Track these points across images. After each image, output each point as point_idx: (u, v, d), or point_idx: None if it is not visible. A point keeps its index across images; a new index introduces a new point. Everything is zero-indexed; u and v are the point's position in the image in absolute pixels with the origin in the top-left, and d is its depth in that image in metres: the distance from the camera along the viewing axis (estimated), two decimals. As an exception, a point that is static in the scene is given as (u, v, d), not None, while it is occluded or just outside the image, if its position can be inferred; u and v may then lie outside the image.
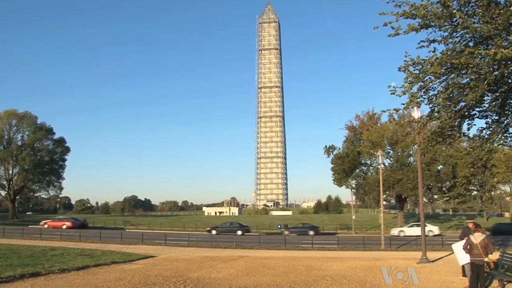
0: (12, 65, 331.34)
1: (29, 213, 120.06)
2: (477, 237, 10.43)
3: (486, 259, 10.26)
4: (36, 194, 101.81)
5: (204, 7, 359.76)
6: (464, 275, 13.19)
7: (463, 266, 12.54)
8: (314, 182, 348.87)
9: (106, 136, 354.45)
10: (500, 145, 13.94)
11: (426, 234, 41.15)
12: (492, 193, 67.95)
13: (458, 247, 12.22)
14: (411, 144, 54.24)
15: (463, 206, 76.86)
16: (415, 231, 42.88)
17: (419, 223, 29.32)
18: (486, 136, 12.66)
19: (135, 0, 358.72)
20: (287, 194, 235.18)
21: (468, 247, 10.55)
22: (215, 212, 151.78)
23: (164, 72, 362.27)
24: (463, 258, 11.71)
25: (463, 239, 11.72)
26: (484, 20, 9.54)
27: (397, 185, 58.76)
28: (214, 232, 49.57)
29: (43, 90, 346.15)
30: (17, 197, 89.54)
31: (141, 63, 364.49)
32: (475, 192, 66.71)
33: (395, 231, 48.92)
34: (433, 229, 48.76)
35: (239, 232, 48.27)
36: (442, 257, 21.13)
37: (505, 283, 10.92)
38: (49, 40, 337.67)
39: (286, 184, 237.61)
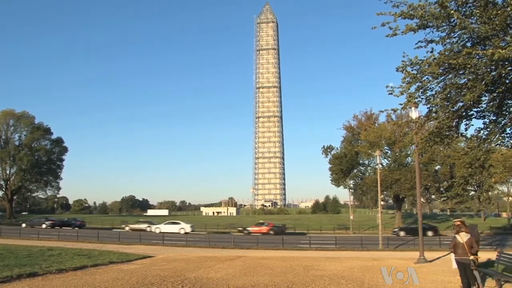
0: (10, 65, 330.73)
1: (25, 213, 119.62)
2: (463, 237, 10.68)
3: (471, 257, 10.42)
4: (33, 194, 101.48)
5: (202, 7, 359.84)
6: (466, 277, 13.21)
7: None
8: (312, 182, 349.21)
9: (104, 136, 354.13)
10: (498, 146, 13.99)
11: (177, 231, 45.71)
12: (490, 193, 68.10)
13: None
14: (409, 144, 54.47)
15: (461, 206, 77.06)
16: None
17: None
18: (484, 137, 12.69)
19: (132, 1, 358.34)
20: (285, 194, 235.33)
21: (453, 247, 10.81)
22: (213, 212, 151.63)
23: (162, 72, 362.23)
24: None
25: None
26: (482, 21, 9.57)
27: (395, 185, 58.86)
28: None
29: (41, 90, 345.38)
30: (15, 197, 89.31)
31: (139, 63, 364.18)
32: (472, 192, 66.84)
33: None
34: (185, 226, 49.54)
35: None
36: (439, 257, 21.16)
37: (502, 282, 10.95)
38: (48, 40, 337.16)
39: (284, 184, 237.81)
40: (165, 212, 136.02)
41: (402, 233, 46.48)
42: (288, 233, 49.87)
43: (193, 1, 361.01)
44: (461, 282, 11.02)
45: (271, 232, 46.91)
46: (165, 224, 50.52)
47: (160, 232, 45.39)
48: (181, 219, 60.23)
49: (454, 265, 12.42)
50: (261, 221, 57.99)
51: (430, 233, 45.32)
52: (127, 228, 50.84)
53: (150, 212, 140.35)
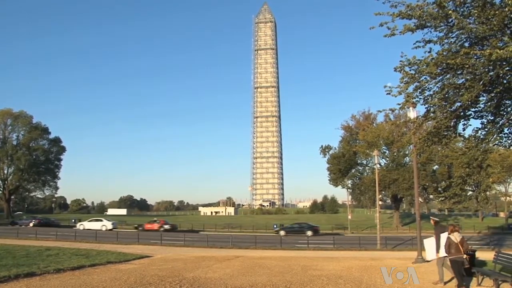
0: (7, 65, 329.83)
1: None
2: (457, 237, 11.14)
3: (465, 256, 10.88)
4: (31, 194, 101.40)
5: (200, 7, 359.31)
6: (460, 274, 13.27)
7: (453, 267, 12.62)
8: (310, 182, 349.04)
9: (102, 135, 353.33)
10: (495, 146, 14.02)
11: (99, 228, 48.07)
12: (488, 193, 68.27)
13: (429, 243, 12.71)
14: (406, 144, 54.51)
15: (459, 206, 77.12)
16: None
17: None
18: (482, 137, 12.72)
19: (130, 1, 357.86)
20: (283, 194, 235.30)
21: (448, 247, 11.15)
22: (211, 212, 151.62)
23: (160, 72, 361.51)
24: (432, 254, 12.43)
25: (441, 234, 12.12)
26: (480, 21, 9.59)
27: (393, 185, 58.97)
28: None
29: (39, 90, 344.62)
30: (12, 197, 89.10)
31: (137, 63, 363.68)
32: (470, 192, 67.02)
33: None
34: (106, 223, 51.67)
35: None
36: (445, 256, 21.15)
37: (500, 282, 10.97)
38: (47, 40, 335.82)
39: (282, 184, 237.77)
40: (123, 211, 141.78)
41: (282, 233, 47.63)
42: (181, 230, 53.81)
43: (191, 1, 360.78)
44: (457, 280, 11.25)
45: (161, 229, 50.60)
46: (88, 221, 53.59)
47: (84, 229, 49.49)
48: (176, 219, 61.44)
49: (429, 257, 12.96)
50: (154, 219, 63.16)
51: (309, 233, 46.46)
52: (81, 227, 51.92)
53: (110, 211, 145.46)
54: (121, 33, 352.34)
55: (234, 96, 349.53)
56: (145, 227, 52.28)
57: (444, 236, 11.80)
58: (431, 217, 13.32)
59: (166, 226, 52.14)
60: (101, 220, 53.78)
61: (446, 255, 11.54)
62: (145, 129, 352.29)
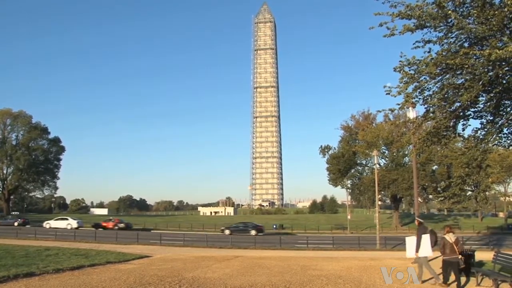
0: (7, 64, 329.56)
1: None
2: (452, 237, 11.35)
3: (460, 256, 11.17)
4: (30, 194, 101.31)
5: (200, 7, 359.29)
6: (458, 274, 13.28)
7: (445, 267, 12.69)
8: (309, 182, 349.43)
9: (101, 135, 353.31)
10: (495, 146, 14.03)
11: (65, 227, 49.59)
12: (487, 193, 68.26)
13: (410, 241, 12.83)
14: (406, 144, 54.52)
15: (458, 206, 77.20)
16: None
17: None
18: (481, 137, 12.73)
19: (130, 1, 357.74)
20: (282, 194, 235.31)
21: (443, 247, 11.40)
22: (211, 212, 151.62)
23: (160, 72, 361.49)
24: (411, 252, 12.61)
25: (422, 235, 12.37)
26: (479, 21, 9.59)
27: (392, 185, 58.96)
28: None
29: (38, 90, 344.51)
30: (12, 197, 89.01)
31: (137, 63, 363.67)
32: (469, 192, 66.97)
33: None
34: (72, 222, 53.83)
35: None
36: (437, 257, 21.16)
37: (499, 282, 10.98)
38: (47, 40, 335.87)
39: (282, 184, 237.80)
40: (104, 211, 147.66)
41: (227, 232, 48.98)
42: (135, 228, 55.85)
43: (191, 1, 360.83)
44: (443, 278, 11.59)
45: (116, 227, 53.52)
46: (54, 220, 55.67)
47: (50, 227, 50.76)
48: (175, 219, 62.57)
49: (408, 255, 13.10)
50: (110, 217, 67.60)
51: (253, 232, 47.95)
52: (47, 226, 53.35)
53: (92, 211, 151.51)
54: (121, 33, 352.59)
55: (234, 96, 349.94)
56: (102, 225, 55.05)
57: (425, 237, 12.14)
58: (416, 218, 13.58)
59: (121, 225, 54.91)
60: (67, 219, 56.14)
61: (426, 255, 12.02)
62: (145, 129, 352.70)
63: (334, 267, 16.33)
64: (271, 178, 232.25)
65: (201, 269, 15.14)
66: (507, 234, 51.99)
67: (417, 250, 12.32)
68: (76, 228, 51.02)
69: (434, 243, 12.48)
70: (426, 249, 12.17)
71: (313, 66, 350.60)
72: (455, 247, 11.19)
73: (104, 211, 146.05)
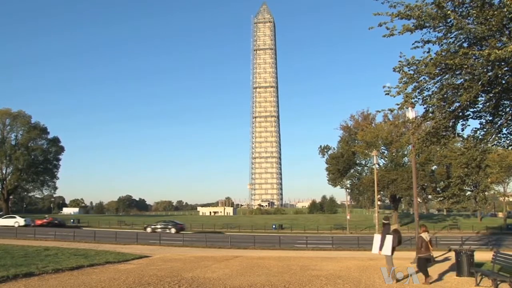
0: (6, 64, 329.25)
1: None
2: (427, 236, 12.59)
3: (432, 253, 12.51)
4: (30, 194, 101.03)
5: (199, 7, 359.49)
6: (458, 274, 13.32)
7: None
8: (309, 182, 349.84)
9: (101, 135, 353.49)
10: (494, 146, 14.02)
11: (12, 224, 51.42)
12: (486, 193, 68.35)
13: (377, 238, 13.30)
14: (405, 145, 54.45)
15: (457, 206, 77.28)
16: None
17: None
18: (480, 137, 12.72)
19: (129, 1, 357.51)
20: (281, 194, 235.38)
21: (420, 245, 12.62)
22: (210, 212, 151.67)
23: (159, 72, 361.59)
24: (375, 249, 13.20)
25: (386, 234, 12.91)
26: (478, 21, 9.59)
27: (392, 185, 58.94)
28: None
29: (38, 89, 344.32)
30: (11, 197, 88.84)
31: (136, 63, 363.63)
32: (469, 192, 67.05)
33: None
34: (19, 220, 56.56)
35: None
36: (436, 257, 21.17)
37: (498, 282, 10.98)
38: (46, 40, 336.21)
39: (281, 184, 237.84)
40: (76, 210, 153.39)
41: (149, 230, 51.24)
42: (68, 226, 59.71)
43: (191, 1, 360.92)
44: (423, 274, 12.37)
45: (50, 224, 57.27)
46: (3, 218, 58.74)
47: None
48: (175, 219, 65.49)
49: (373, 251, 13.59)
50: (45, 215, 73.19)
51: (173, 230, 50.04)
52: None
53: (65, 210, 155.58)
54: (121, 33, 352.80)
55: (233, 96, 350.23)
56: (36, 223, 57.45)
57: (388, 237, 12.69)
58: (383, 220, 13.93)
59: (56, 222, 59.79)
60: (14, 217, 58.67)
61: (389, 254, 12.73)
62: (145, 129, 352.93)
63: (334, 267, 16.34)
64: (270, 178, 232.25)
65: (201, 269, 15.13)
66: (506, 234, 52.00)
67: (380, 248, 12.87)
68: (24, 226, 53.94)
69: (398, 242, 13.17)
70: (387, 248, 12.73)
71: (313, 66, 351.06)
72: (429, 245, 12.47)
73: (75, 210, 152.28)
